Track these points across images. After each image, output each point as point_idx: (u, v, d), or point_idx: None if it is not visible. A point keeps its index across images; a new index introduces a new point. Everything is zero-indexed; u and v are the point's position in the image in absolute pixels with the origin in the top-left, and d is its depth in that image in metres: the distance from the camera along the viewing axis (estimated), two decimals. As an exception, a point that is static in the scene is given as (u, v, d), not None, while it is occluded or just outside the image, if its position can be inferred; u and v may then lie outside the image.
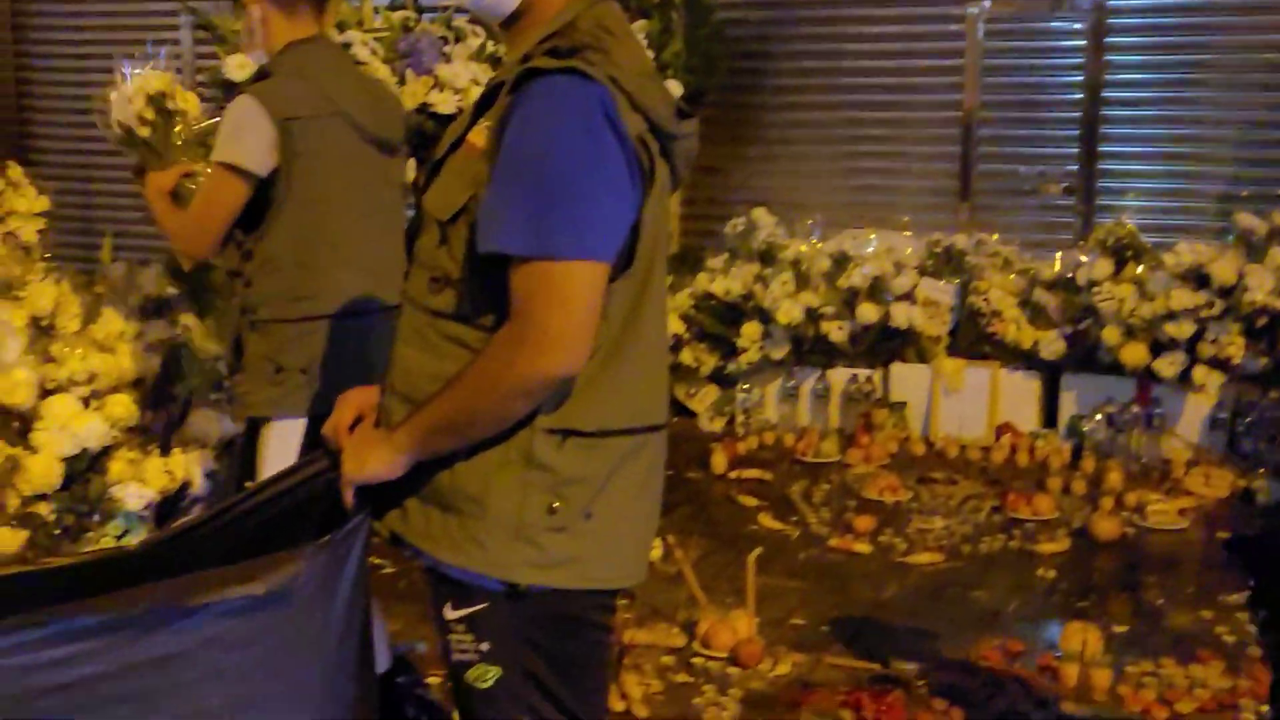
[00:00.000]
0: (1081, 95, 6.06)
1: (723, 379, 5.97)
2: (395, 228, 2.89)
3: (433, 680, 3.13)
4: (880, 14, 6.32)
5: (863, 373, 5.72)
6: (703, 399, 5.94)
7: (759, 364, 5.82)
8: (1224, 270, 5.12)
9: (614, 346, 1.82)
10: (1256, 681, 3.39)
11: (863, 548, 4.46)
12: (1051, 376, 5.59)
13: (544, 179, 1.70)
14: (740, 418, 5.81)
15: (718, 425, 5.85)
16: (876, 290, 5.64)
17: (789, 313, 5.66)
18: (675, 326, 5.75)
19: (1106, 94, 6.02)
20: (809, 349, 5.79)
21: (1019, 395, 5.60)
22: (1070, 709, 3.24)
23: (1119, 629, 3.75)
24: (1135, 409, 5.29)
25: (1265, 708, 3.24)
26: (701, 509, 4.92)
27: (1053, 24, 6.16)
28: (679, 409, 5.84)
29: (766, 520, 4.75)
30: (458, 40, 5.56)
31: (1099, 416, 5.36)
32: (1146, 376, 5.29)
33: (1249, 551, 4.32)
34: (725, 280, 5.91)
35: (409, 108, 5.02)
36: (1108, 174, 6.11)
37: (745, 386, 5.84)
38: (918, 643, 3.65)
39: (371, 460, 1.86)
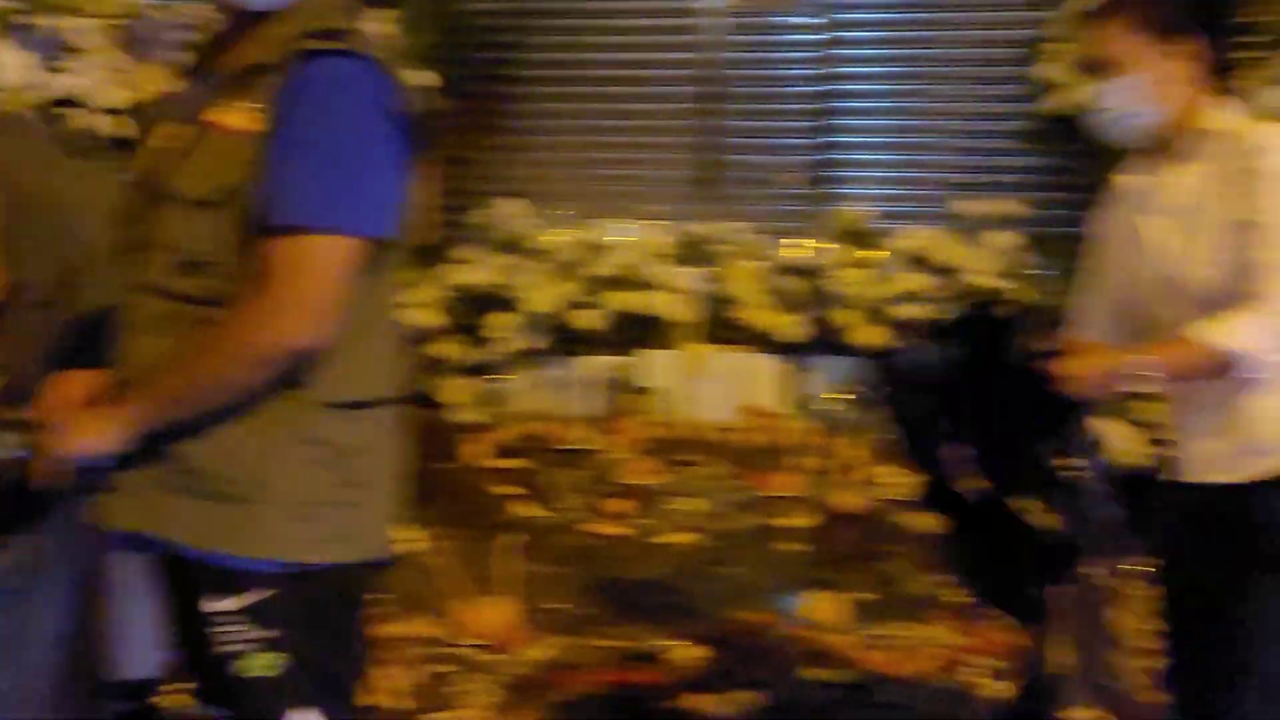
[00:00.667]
0: (818, 87, 6.26)
1: (474, 370, 5.95)
2: None
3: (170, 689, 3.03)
4: (618, 7, 6.39)
5: (615, 360, 5.80)
6: (455, 390, 5.91)
7: (511, 355, 5.83)
8: (944, 253, 5.43)
9: (372, 317, 1.85)
10: (983, 639, 3.62)
11: (619, 530, 4.53)
12: (795, 359, 5.78)
13: (328, 156, 1.74)
14: (493, 409, 5.80)
15: (470, 417, 5.84)
16: (626, 279, 5.72)
17: (540, 303, 5.70)
18: (425, 318, 5.70)
19: (840, 86, 6.24)
20: (561, 338, 5.83)
21: (764, 378, 5.78)
22: (817, 674, 3.38)
23: (861, 596, 3.93)
24: (875, 388, 5.52)
25: (995, 661, 3.46)
26: (455, 500, 4.91)
27: (790, 18, 6.33)
28: (430, 402, 5.79)
29: (522, 508, 4.78)
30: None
31: (841, 396, 5.58)
32: (884, 357, 5.52)
33: None
34: (474, 271, 5.90)
35: (141, 97, 4.85)
36: (842, 163, 6.33)
37: (498, 377, 5.84)
38: (674, 618, 3.74)
39: (90, 434, 1.78)
